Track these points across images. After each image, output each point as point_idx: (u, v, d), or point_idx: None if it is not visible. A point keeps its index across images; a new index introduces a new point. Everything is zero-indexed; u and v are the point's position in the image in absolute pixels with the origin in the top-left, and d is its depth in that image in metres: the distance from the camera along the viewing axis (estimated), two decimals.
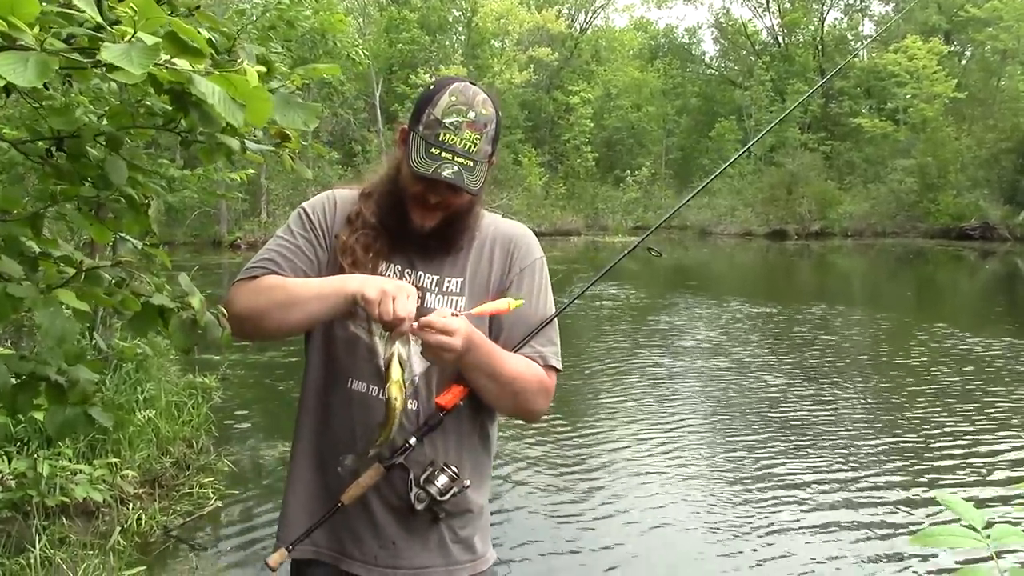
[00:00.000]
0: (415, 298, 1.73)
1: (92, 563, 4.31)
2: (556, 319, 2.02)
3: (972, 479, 6.32)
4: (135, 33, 1.11)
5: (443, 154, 1.77)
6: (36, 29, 1.09)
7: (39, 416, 4.39)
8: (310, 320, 1.85)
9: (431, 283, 1.94)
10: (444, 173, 1.77)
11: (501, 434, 7.01)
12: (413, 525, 1.90)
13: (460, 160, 1.77)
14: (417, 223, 1.89)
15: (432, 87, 1.87)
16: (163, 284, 1.67)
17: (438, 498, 1.84)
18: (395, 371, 1.72)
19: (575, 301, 2.27)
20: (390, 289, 1.71)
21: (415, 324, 1.72)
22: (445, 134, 1.77)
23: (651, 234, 2.51)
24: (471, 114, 1.80)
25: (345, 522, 1.89)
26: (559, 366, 1.98)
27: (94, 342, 5.10)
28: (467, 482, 1.88)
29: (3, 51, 1.05)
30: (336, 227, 1.97)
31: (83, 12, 1.14)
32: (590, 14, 56.03)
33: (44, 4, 1.13)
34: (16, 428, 5.00)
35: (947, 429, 7.63)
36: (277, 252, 1.93)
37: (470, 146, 1.79)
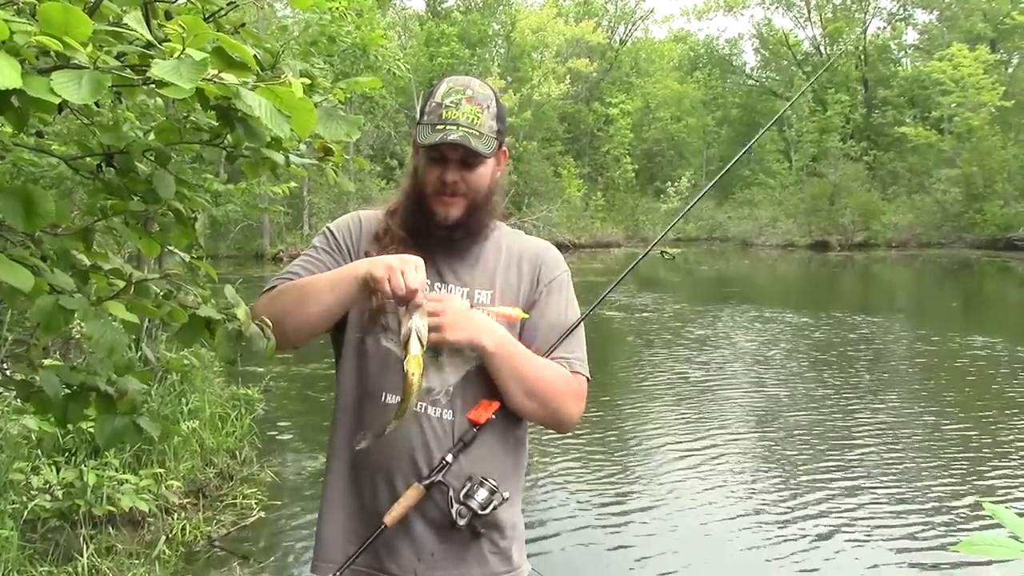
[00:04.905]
0: (423, 269, 1.77)
1: (138, 572, 4.38)
2: (584, 332, 2.04)
3: (1021, 493, 6.19)
4: (184, 49, 1.13)
5: (447, 127, 1.84)
6: (89, 48, 1.11)
7: (86, 426, 4.48)
8: (326, 313, 1.88)
9: (462, 295, 1.96)
10: (450, 137, 1.83)
11: (540, 447, 7.02)
12: (452, 538, 1.89)
13: (465, 129, 1.84)
14: (441, 214, 1.93)
15: (432, 85, 1.97)
16: (209, 296, 1.70)
17: (479, 512, 1.82)
18: (413, 346, 1.71)
19: (594, 310, 2.27)
20: (396, 264, 1.76)
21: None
22: (446, 112, 1.86)
23: (662, 238, 2.51)
24: (468, 92, 1.89)
25: (382, 536, 1.88)
26: (586, 373, 2.00)
27: (140, 354, 5.17)
28: (506, 494, 1.87)
29: (58, 69, 1.08)
30: (363, 245, 2.01)
31: (133, 31, 1.17)
32: (630, 26, 56.06)
33: (95, 23, 1.15)
34: (64, 438, 5.09)
35: (996, 441, 7.49)
36: (300, 266, 1.99)
37: (473, 118, 1.86)
